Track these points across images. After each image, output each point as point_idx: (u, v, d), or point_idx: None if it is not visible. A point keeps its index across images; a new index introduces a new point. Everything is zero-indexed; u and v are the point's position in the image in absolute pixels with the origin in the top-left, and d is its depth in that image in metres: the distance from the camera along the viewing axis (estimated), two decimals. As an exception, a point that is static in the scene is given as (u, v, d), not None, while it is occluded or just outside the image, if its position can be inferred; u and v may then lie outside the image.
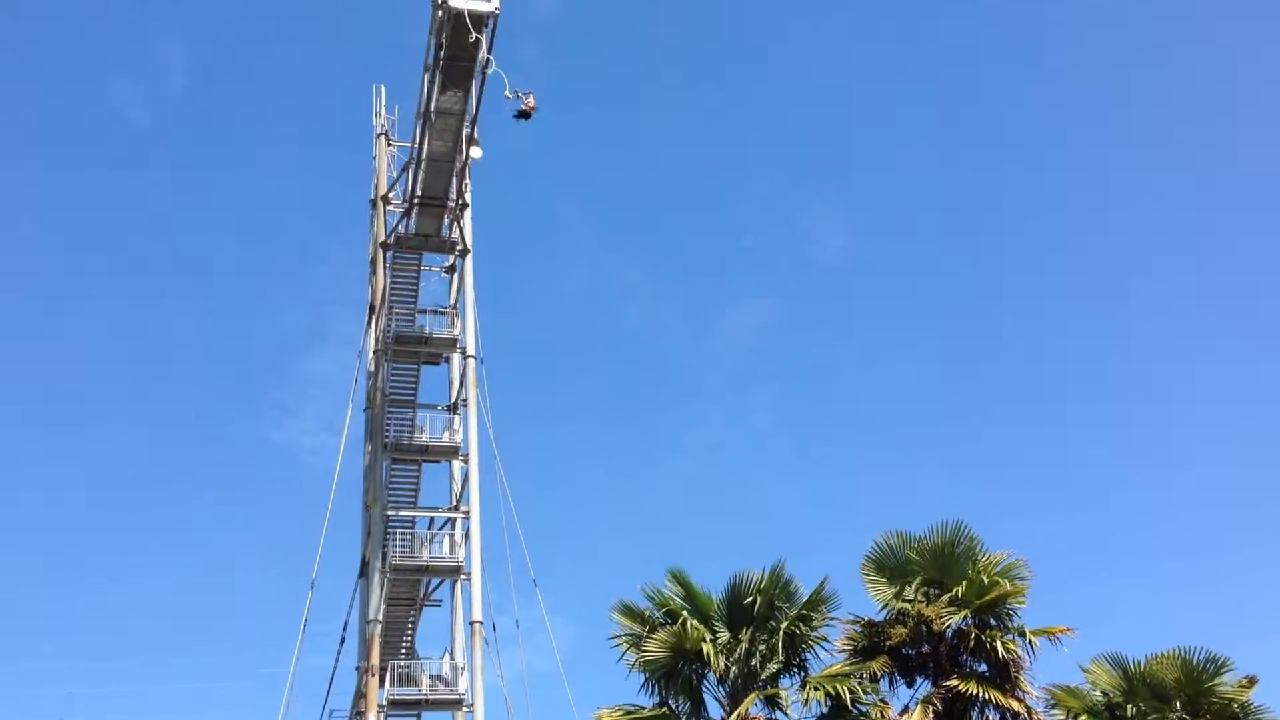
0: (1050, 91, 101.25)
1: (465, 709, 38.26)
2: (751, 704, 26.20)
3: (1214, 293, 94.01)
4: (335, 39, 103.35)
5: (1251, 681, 25.87)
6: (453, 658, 39.87)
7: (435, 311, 42.87)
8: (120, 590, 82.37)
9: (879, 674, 26.82)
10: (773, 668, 27.45)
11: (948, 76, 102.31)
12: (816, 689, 26.20)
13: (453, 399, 42.88)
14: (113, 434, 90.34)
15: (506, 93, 34.20)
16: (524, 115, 34.40)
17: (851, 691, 25.98)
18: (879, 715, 26.22)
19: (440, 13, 35.06)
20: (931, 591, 27.22)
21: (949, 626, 26.58)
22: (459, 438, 41.19)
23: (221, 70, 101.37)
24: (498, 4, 34.43)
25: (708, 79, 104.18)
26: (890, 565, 27.77)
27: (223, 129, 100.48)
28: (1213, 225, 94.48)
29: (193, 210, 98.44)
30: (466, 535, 39.75)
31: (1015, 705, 25.80)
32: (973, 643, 26.51)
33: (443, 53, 35.79)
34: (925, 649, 27.15)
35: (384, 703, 37.94)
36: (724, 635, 27.89)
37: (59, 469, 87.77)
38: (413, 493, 41.74)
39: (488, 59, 34.19)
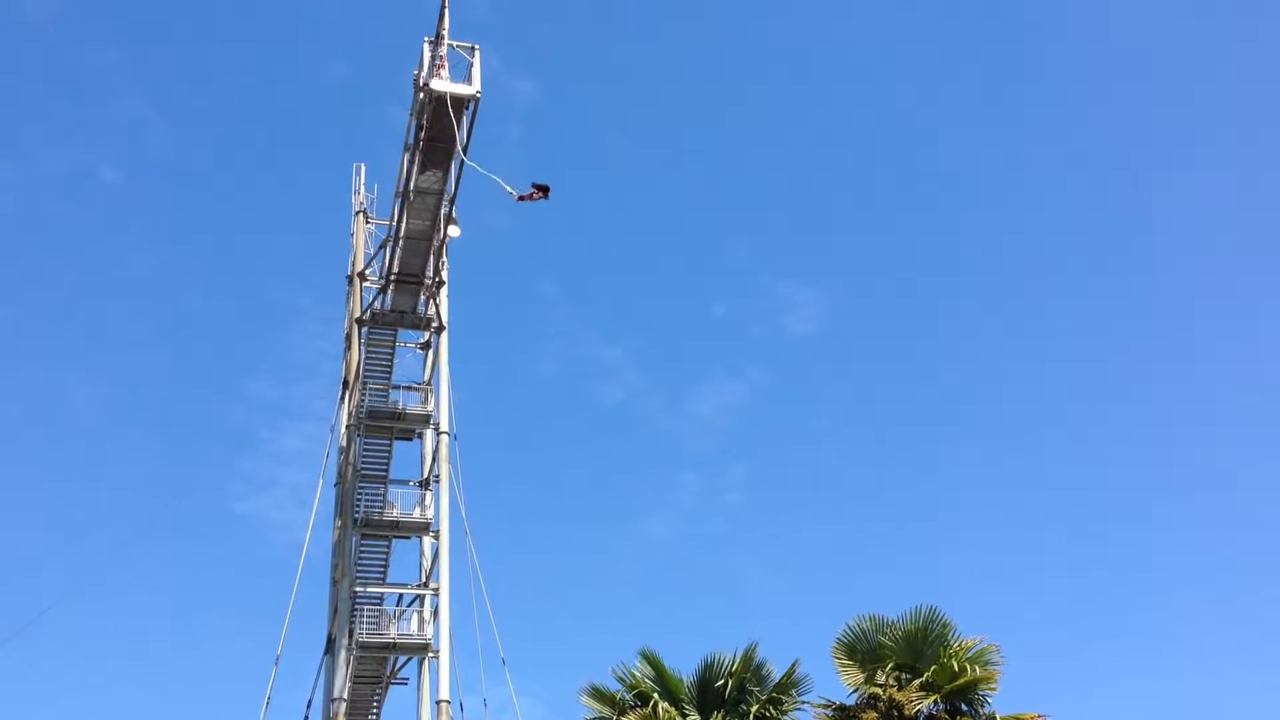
0: (1038, 159, 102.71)
1: (430, 790, 37.78)
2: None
3: (1200, 374, 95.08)
4: (316, 116, 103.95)
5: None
6: (418, 737, 39.41)
7: (409, 387, 42.94)
8: (80, 661, 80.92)
9: (850, 759, 26.85)
10: (743, 751, 27.41)
11: (927, 142, 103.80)
12: (787, 773, 26.20)
13: (425, 475, 42.82)
14: (79, 502, 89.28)
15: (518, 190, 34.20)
16: (543, 191, 34.65)
17: (822, 776, 26.00)
18: (849, 801, 26.21)
19: (422, 95, 35.62)
20: (903, 676, 27.32)
21: (920, 712, 26.67)
22: (430, 514, 41.04)
23: (199, 139, 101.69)
24: (479, 88, 35.06)
25: (684, 159, 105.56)
26: (862, 649, 27.90)
27: (200, 200, 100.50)
28: (1203, 305, 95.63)
29: (167, 280, 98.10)
30: (435, 613, 39.46)
31: (985, 792, 25.87)
32: (944, 728, 26.61)
33: (423, 134, 36.27)
34: (896, 734, 27.17)
35: (348, 783, 37.42)
36: (694, 718, 27.83)
37: (25, 531, 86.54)
38: (382, 569, 41.47)
39: (466, 146, 34.78)
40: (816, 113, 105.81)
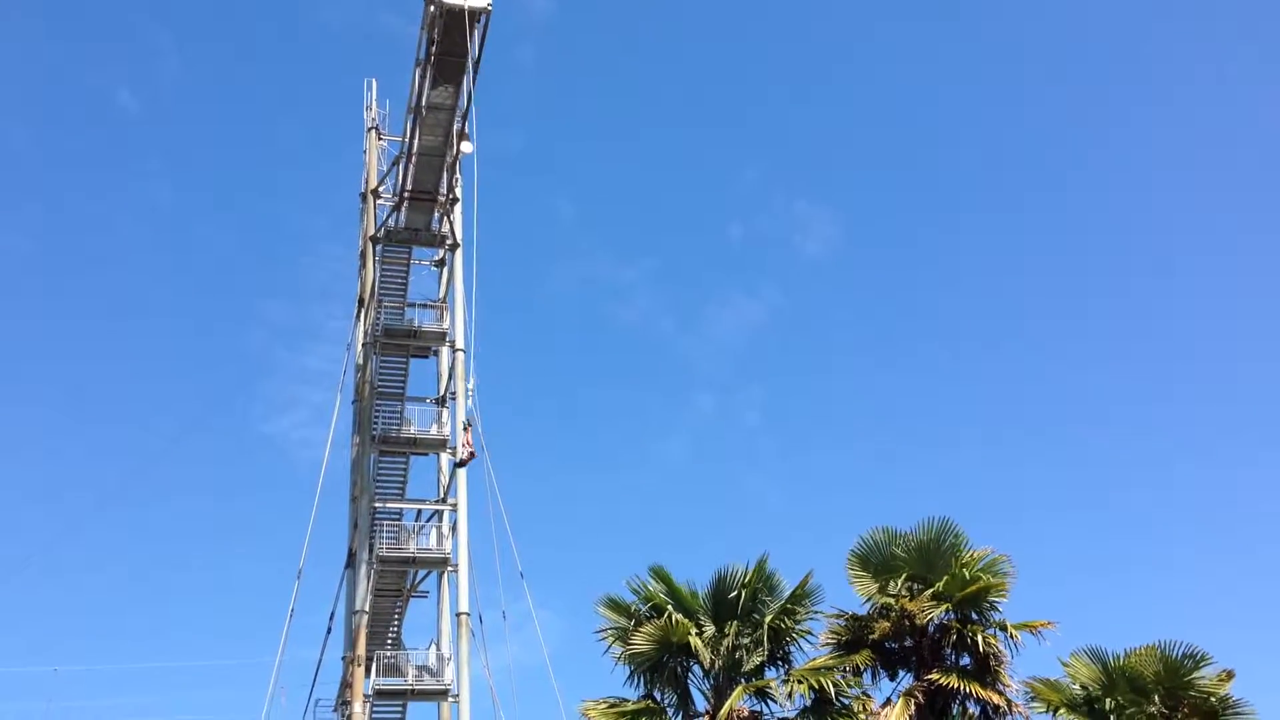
0: (1052, 89, 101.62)
1: (451, 699, 38.49)
2: (740, 697, 26.49)
3: (1208, 302, 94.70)
4: (326, 32, 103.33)
5: (1229, 675, 26.17)
6: (439, 649, 40.08)
7: (424, 305, 43.04)
8: (111, 576, 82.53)
9: (862, 667, 27.14)
10: (757, 660, 27.71)
11: (943, 68, 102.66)
12: (800, 682, 26.51)
13: (441, 392, 43.07)
14: (106, 426, 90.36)
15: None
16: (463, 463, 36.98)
17: (835, 685, 26.33)
18: (861, 708, 26.52)
19: (432, 8, 35.23)
20: (915, 587, 27.52)
21: (931, 621, 26.90)
22: (447, 430, 41.38)
23: (212, 61, 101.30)
24: (490, 1, 34.63)
25: (699, 77, 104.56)
26: (875, 560, 28.08)
27: (213, 120, 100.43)
28: (1216, 241, 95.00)
29: (182, 201, 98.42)
30: (454, 528, 39.95)
31: (996, 699, 26.13)
32: (955, 637, 26.87)
33: (434, 48, 35.95)
34: (908, 643, 27.48)
35: (370, 693, 38.17)
36: (709, 629, 28.15)
37: (56, 459, 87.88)
38: (400, 485, 41.92)
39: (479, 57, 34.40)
40: (832, 34, 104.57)
